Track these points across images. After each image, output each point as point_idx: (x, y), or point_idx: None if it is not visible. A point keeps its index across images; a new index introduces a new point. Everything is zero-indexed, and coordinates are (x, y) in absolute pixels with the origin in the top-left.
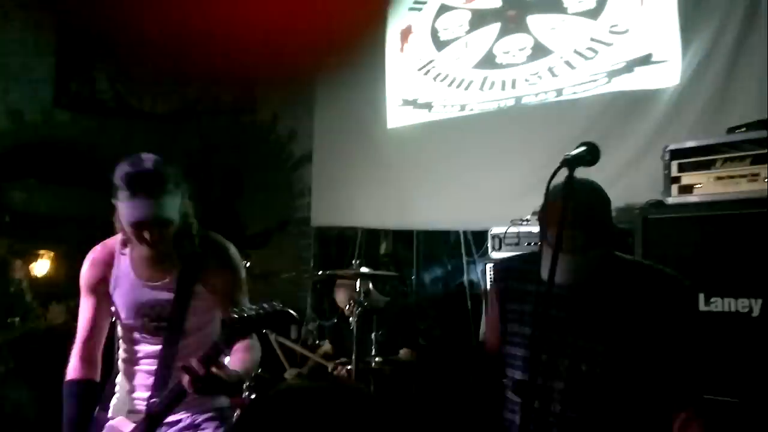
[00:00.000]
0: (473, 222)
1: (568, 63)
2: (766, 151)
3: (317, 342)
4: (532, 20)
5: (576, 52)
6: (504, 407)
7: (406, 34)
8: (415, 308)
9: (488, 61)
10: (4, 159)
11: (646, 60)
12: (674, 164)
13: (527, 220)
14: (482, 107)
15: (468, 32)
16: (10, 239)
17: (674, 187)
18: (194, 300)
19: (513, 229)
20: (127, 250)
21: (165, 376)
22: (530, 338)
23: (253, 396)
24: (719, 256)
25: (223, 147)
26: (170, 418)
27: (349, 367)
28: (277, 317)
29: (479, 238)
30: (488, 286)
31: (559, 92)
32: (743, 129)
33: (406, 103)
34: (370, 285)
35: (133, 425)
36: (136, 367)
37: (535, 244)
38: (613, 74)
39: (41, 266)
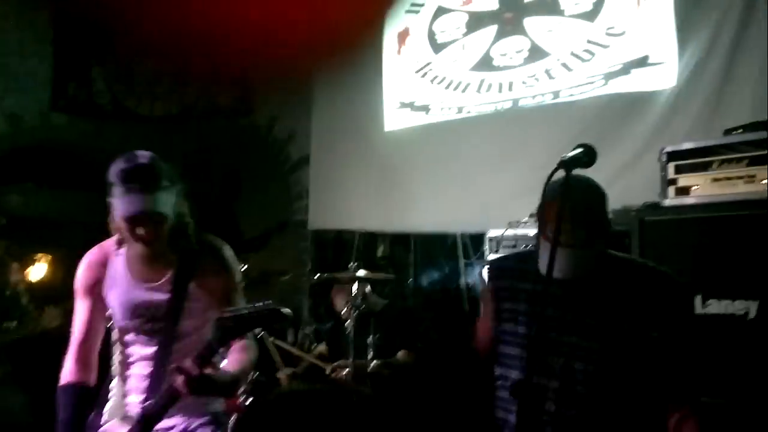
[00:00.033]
0: (470, 224)
1: (564, 65)
2: (763, 152)
3: (314, 345)
4: (529, 22)
5: (573, 54)
6: (496, 406)
7: (403, 36)
8: (412, 311)
9: (485, 64)
10: (2, 162)
11: (642, 62)
12: (671, 166)
13: (524, 223)
14: (479, 109)
15: (465, 34)
16: (6, 242)
17: (671, 189)
18: (189, 301)
19: (510, 232)
20: (122, 251)
21: (159, 379)
22: (527, 337)
23: (249, 400)
24: (716, 258)
25: (221, 149)
26: (165, 423)
27: (347, 369)
28: (270, 316)
29: (477, 240)
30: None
31: (556, 94)
32: (740, 130)
33: (404, 105)
34: (368, 288)
35: (127, 429)
36: (131, 371)
37: (533, 246)
38: (609, 76)
39: (38, 270)
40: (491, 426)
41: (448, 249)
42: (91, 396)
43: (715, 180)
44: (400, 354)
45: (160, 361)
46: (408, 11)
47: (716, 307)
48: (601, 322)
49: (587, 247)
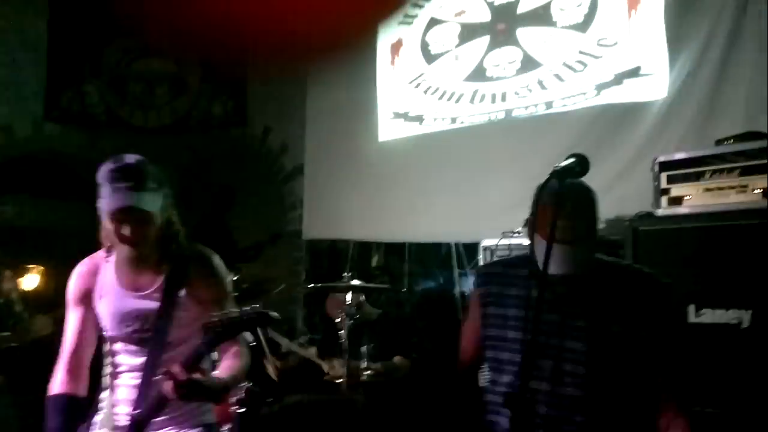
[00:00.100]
0: (464, 234)
1: (557, 76)
2: (754, 162)
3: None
4: (522, 33)
5: (565, 65)
6: (485, 410)
7: (396, 47)
8: (407, 321)
9: (478, 74)
10: None
11: (634, 73)
12: (663, 176)
13: (518, 232)
14: (473, 120)
15: (458, 45)
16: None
17: (664, 199)
18: (179, 310)
19: (504, 241)
20: (111, 258)
21: (148, 389)
22: (516, 341)
23: (242, 410)
24: (709, 268)
25: (215, 160)
26: None
27: (342, 369)
28: (258, 319)
29: (471, 250)
30: None
31: (549, 105)
32: (731, 141)
33: (397, 116)
34: (362, 297)
35: None
36: (120, 381)
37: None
38: (602, 87)
39: (30, 281)
40: (481, 430)
41: (443, 258)
42: (80, 407)
43: (707, 190)
44: (397, 359)
45: (148, 371)
46: (401, 23)
47: (710, 316)
48: (588, 324)
49: (584, 242)
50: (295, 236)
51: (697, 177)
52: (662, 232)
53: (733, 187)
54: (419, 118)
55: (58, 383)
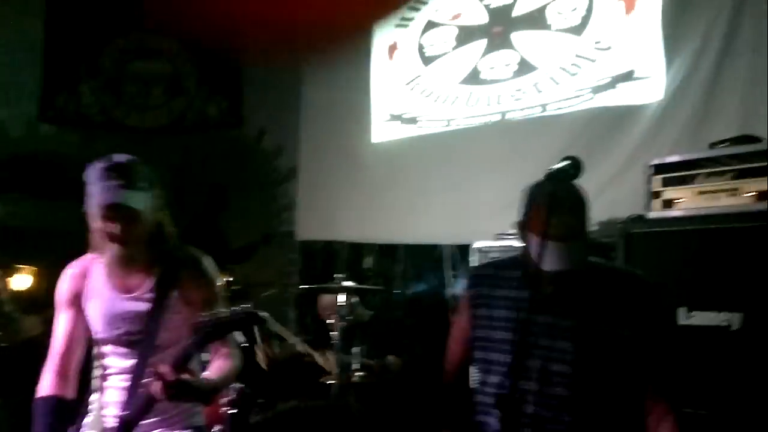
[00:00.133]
0: (458, 236)
1: (552, 79)
2: (747, 166)
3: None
4: (517, 37)
5: (560, 68)
6: (474, 411)
7: (392, 49)
8: (399, 322)
9: (474, 77)
10: None
11: (629, 76)
12: (657, 179)
13: (511, 235)
14: (468, 122)
15: (454, 48)
16: None
17: (656, 202)
18: (169, 313)
19: (497, 243)
20: (101, 260)
21: (136, 392)
22: (505, 342)
23: (232, 411)
24: (700, 270)
25: (210, 161)
26: None
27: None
28: (248, 319)
29: (464, 252)
30: None
31: (544, 107)
32: (725, 144)
33: (393, 117)
34: (355, 299)
35: None
36: (109, 383)
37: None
38: (597, 90)
39: (21, 281)
40: (471, 430)
41: (436, 260)
42: (68, 409)
43: (701, 193)
44: (390, 358)
45: (137, 374)
46: (398, 25)
47: (700, 318)
48: (575, 324)
49: (578, 239)
50: (289, 237)
51: (690, 180)
52: (655, 234)
53: (725, 191)
54: (414, 120)
55: (46, 385)
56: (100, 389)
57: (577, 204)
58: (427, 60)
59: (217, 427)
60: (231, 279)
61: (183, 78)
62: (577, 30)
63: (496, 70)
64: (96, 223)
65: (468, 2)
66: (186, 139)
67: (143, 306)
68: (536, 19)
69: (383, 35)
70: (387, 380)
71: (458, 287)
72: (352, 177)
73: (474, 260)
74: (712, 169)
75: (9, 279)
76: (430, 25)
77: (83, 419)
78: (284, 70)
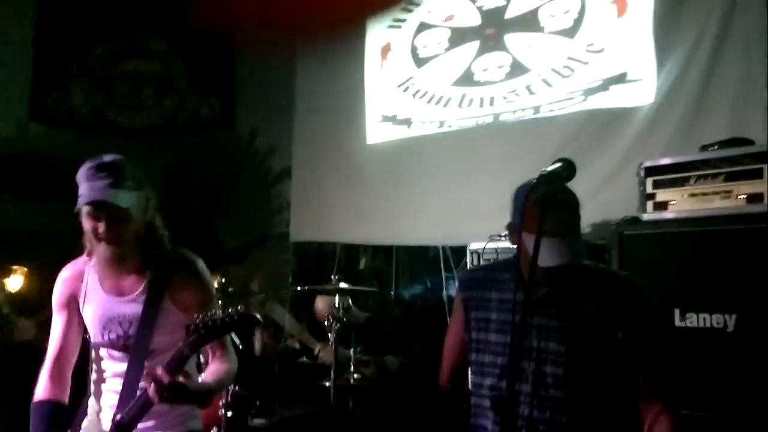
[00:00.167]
0: (452, 237)
1: (545, 81)
2: (739, 168)
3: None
4: (510, 39)
5: (553, 70)
6: (471, 413)
7: (385, 51)
8: (394, 324)
9: (467, 79)
10: None
11: (621, 78)
12: (649, 181)
13: (505, 236)
14: (461, 124)
15: (447, 50)
16: None
17: (649, 204)
18: (162, 316)
19: (491, 245)
20: (93, 262)
21: (130, 396)
22: (499, 344)
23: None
24: (694, 272)
25: (202, 162)
26: None
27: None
28: (242, 321)
29: (458, 253)
30: None
31: (537, 110)
32: (716, 146)
33: (386, 119)
34: (350, 300)
35: None
36: (104, 386)
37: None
38: (589, 92)
39: (14, 282)
40: None
41: (430, 261)
42: (64, 413)
43: (693, 195)
44: (388, 358)
45: (130, 377)
46: (390, 26)
47: (695, 320)
48: (565, 325)
49: (573, 234)
50: (283, 238)
51: (682, 182)
52: (648, 236)
53: (717, 193)
54: (407, 122)
55: (42, 389)
56: (96, 393)
57: (572, 202)
58: (420, 61)
59: (213, 430)
60: (225, 280)
61: (174, 78)
62: (570, 32)
63: (489, 72)
64: (85, 224)
65: (461, 4)
66: (178, 139)
67: (136, 308)
68: (529, 22)
69: (376, 36)
70: (385, 382)
71: (453, 288)
72: (346, 178)
73: (469, 262)
74: (704, 172)
75: (4, 280)
76: (423, 26)
77: (80, 422)
78: (277, 70)
